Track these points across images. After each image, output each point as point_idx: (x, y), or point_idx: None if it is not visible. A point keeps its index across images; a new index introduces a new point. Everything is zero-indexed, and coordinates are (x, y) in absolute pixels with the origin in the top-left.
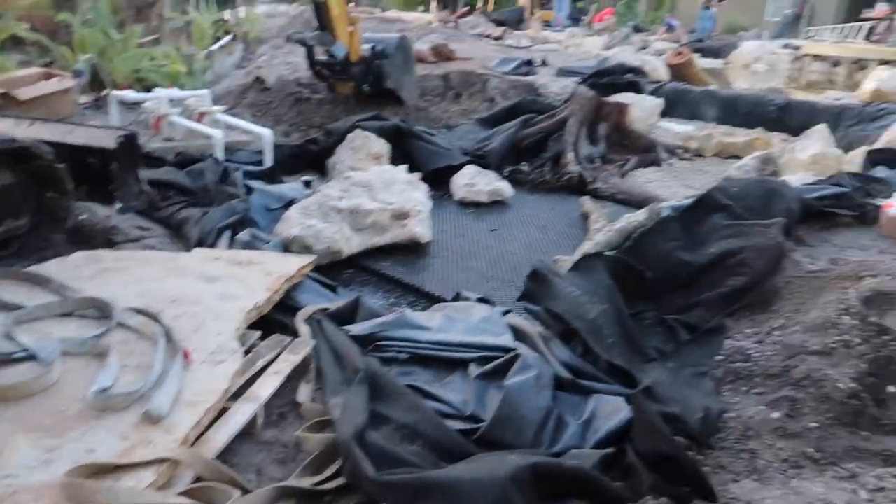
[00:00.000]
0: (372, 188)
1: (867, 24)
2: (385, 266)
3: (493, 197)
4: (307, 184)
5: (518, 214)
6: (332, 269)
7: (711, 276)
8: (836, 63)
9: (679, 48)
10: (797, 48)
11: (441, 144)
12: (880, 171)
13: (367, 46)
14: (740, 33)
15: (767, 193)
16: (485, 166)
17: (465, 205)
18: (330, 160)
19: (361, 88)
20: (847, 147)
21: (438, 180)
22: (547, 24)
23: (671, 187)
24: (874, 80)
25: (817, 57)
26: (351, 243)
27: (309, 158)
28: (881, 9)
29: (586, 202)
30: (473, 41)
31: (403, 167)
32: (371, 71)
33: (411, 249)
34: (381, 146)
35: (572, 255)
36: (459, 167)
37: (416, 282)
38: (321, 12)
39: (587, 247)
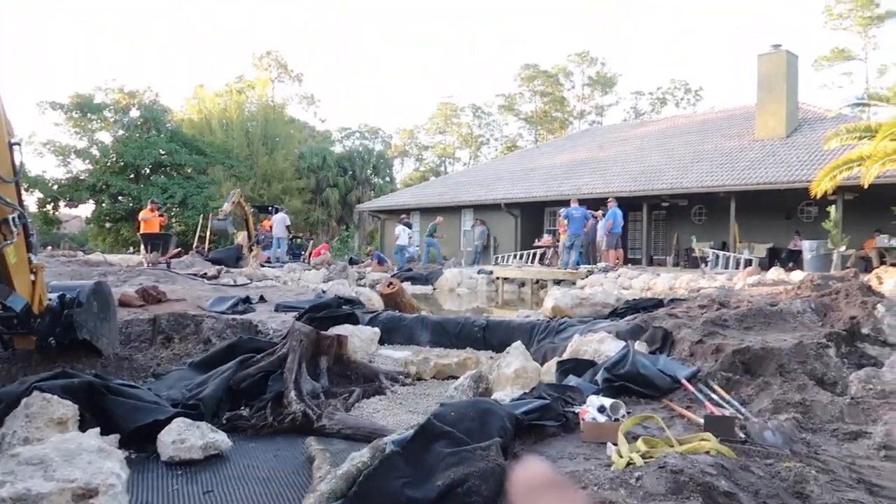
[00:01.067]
0: (48, 464)
1: (539, 251)
2: None
3: (207, 451)
4: None
5: (238, 468)
6: None
7: None
8: (522, 284)
9: (389, 278)
10: (490, 273)
11: (144, 398)
12: (572, 380)
13: (54, 295)
14: (443, 261)
15: (482, 414)
16: (199, 416)
17: (176, 465)
18: None
19: (47, 342)
20: (542, 359)
21: (144, 440)
22: (267, 261)
23: (397, 415)
24: (552, 298)
25: (507, 279)
26: None
27: None
28: (546, 238)
29: (312, 444)
30: (186, 281)
31: (94, 431)
32: (59, 322)
33: None
34: (67, 409)
35: None
36: (167, 421)
37: None
38: None
39: (311, 501)
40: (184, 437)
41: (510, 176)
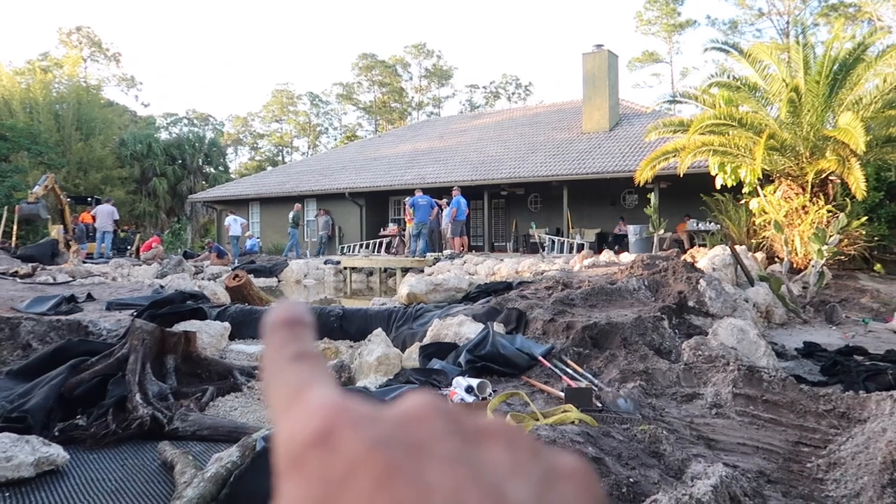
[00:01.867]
0: None
1: (385, 240)
2: None
3: (41, 468)
4: None
5: (79, 483)
6: None
7: None
8: (370, 273)
9: (235, 270)
10: (338, 263)
11: None
12: (436, 363)
13: None
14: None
15: None
16: (25, 430)
17: (1, 487)
18: None
19: None
20: (402, 346)
21: None
22: (89, 256)
23: (256, 411)
24: (406, 285)
25: (354, 269)
26: None
27: None
28: (392, 228)
29: (167, 448)
30: None
31: None
32: None
33: None
34: None
35: None
36: None
37: None
38: None
39: None
40: (10, 454)
41: (353, 165)
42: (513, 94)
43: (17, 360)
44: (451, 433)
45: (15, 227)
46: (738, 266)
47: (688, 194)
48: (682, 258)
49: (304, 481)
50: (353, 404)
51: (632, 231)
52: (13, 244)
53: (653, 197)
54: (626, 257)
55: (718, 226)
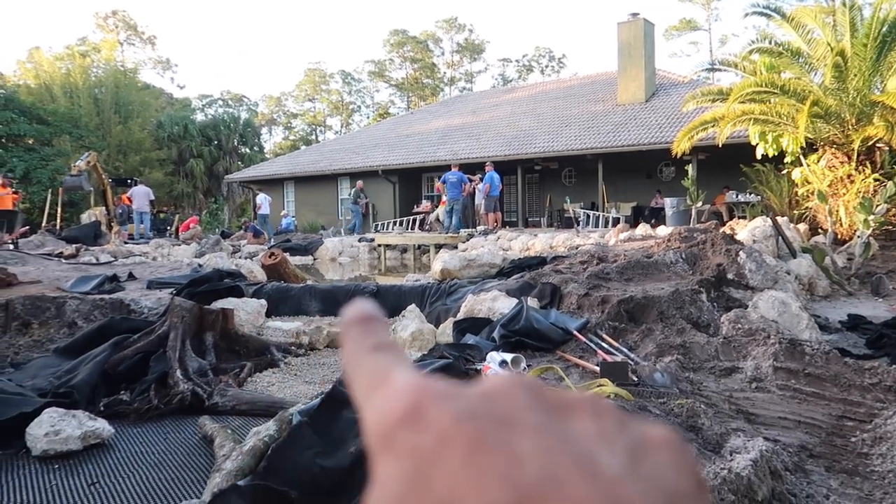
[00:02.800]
0: None
1: (419, 217)
2: None
3: (87, 441)
4: None
5: (124, 456)
6: None
7: (358, 476)
8: (404, 250)
9: (271, 249)
10: (371, 240)
11: (6, 389)
12: (469, 339)
13: None
14: (321, 232)
15: None
16: (72, 405)
17: (51, 459)
18: None
19: None
20: (436, 321)
21: (9, 436)
22: (130, 237)
23: (293, 386)
24: (440, 261)
25: (388, 246)
26: None
27: None
28: (425, 204)
29: (206, 423)
30: (40, 262)
31: None
32: None
33: None
34: None
35: (200, 490)
36: (35, 413)
37: None
38: None
39: (217, 480)
40: (58, 427)
41: (386, 142)
42: (546, 66)
43: (63, 338)
44: (536, 405)
45: (59, 210)
46: (780, 237)
47: (727, 165)
48: (721, 230)
49: (396, 459)
50: (437, 383)
51: (669, 204)
52: (58, 226)
53: (690, 169)
54: (662, 230)
55: (759, 197)
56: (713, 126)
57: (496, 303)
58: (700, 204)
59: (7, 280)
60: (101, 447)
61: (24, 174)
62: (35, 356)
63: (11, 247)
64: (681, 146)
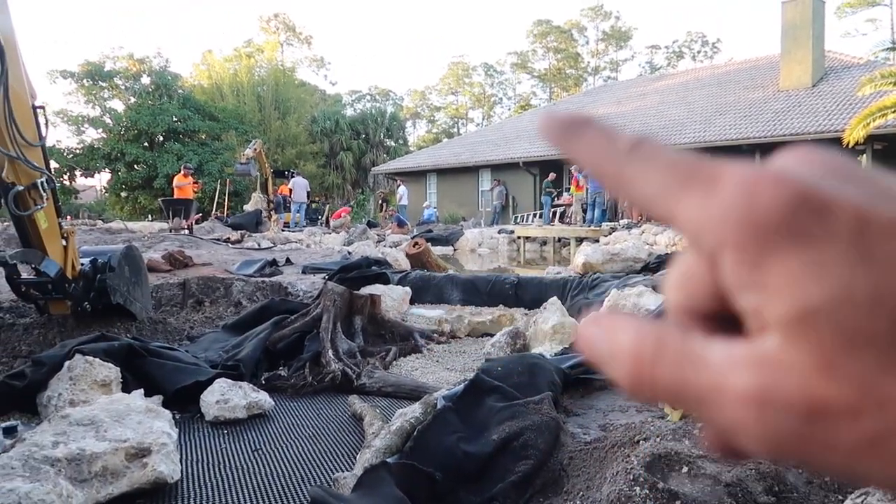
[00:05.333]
0: (99, 425)
1: (559, 209)
2: None
3: (251, 411)
4: (7, 432)
5: (282, 426)
6: None
7: (500, 464)
8: (543, 242)
9: (414, 238)
10: (511, 232)
11: (184, 359)
12: None
13: (86, 260)
14: (461, 223)
15: (530, 368)
16: (238, 377)
17: (220, 424)
18: (42, 396)
19: (82, 307)
20: (577, 315)
21: (186, 401)
22: (286, 225)
23: (435, 372)
24: (582, 255)
25: (528, 238)
26: None
27: (13, 397)
28: (566, 197)
29: (355, 402)
30: (211, 246)
31: (139, 392)
32: (93, 287)
33: (156, 494)
34: (109, 371)
35: (350, 464)
36: (208, 382)
37: None
38: (24, 228)
39: (368, 456)
40: (227, 396)
41: (527, 134)
42: (698, 52)
43: (230, 316)
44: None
45: (226, 199)
46: None
47: None
48: None
49: (819, 248)
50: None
51: None
52: (225, 214)
53: (864, 159)
54: None
55: None
56: (893, 112)
57: (641, 298)
58: None
59: (184, 262)
60: (262, 417)
61: (197, 166)
62: (207, 331)
63: (187, 232)
64: (854, 134)
